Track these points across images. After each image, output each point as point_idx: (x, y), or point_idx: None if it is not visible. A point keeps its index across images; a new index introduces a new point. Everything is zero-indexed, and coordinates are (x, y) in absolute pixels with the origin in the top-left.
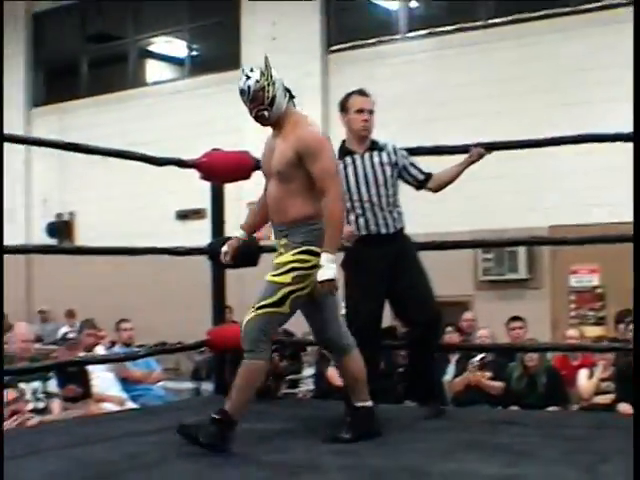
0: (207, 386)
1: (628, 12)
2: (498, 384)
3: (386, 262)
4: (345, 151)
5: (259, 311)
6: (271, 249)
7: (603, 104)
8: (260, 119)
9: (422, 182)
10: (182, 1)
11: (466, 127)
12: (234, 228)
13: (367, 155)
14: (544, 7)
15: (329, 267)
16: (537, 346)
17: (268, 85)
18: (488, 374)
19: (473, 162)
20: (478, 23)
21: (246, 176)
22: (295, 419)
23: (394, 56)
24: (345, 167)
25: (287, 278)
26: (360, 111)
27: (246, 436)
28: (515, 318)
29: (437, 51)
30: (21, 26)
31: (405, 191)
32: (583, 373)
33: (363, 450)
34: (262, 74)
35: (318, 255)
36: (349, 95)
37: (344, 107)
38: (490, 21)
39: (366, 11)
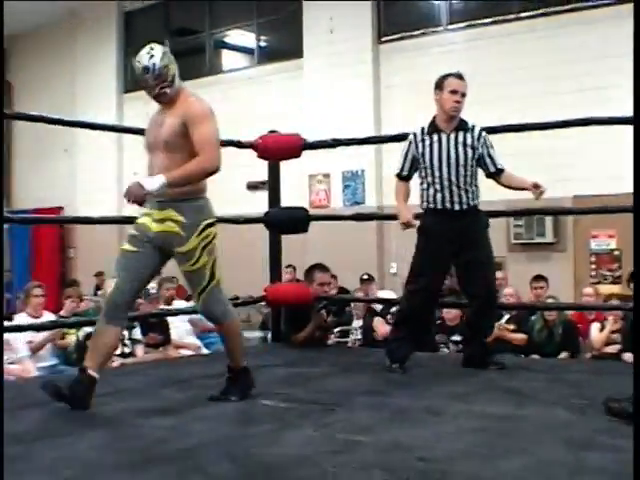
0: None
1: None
2: (521, 336)
3: (455, 236)
4: (434, 128)
5: (204, 293)
6: (322, 217)
7: (613, 88)
8: (161, 97)
9: (491, 174)
10: None
11: (499, 110)
12: (300, 197)
13: (453, 135)
14: (570, 1)
15: (153, 183)
16: (556, 305)
17: (170, 63)
18: (512, 327)
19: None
20: (511, 16)
21: (297, 155)
22: (339, 364)
23: (436, 46)
24: (431, 144)
25: (204, 259)
26: (454, 92)
27: (292, 378)
28: (538, 278)
29: (474, 42)
30: (114, 23)
31: None
32: (595, 326)
33: (390, 392)
34: (164, 53)
35: (213, 225)
36: (446, 75)
37: (439, 85)
38: (522, 14)
39: (412, 6)
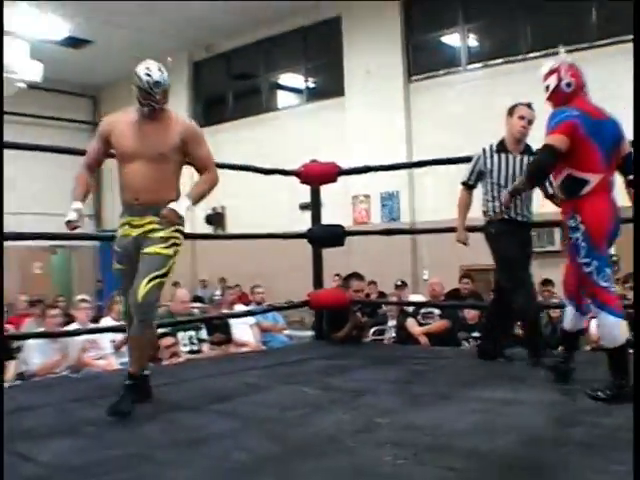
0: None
1: (627, 46)
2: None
3: (519, 243)
4: (502, 147)
5: (154, 282)
6: (357, 232)
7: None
8: (158, 111)
9: (549, 196)
10: (299, 46)
11: None
12: (345, 215)
13: (519, 157)
14: (569, 43)
15: (182, 207)
16: (558, 304)
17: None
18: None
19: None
20: (519, 57)
21: (333, 180)
22: (371, 358)
23: (457, 83)
24: (499, 162)
25: (171, 251)
26: (522, 117)
27: (329, 369)
28: (546, 282)
29: (488, 79)
30: (185, 71)
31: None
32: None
33: (411, 380)
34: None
35: (181, 232)
36: (517, 104)
37: (510, 112)
38: (528, 55)
39: (436, 50)
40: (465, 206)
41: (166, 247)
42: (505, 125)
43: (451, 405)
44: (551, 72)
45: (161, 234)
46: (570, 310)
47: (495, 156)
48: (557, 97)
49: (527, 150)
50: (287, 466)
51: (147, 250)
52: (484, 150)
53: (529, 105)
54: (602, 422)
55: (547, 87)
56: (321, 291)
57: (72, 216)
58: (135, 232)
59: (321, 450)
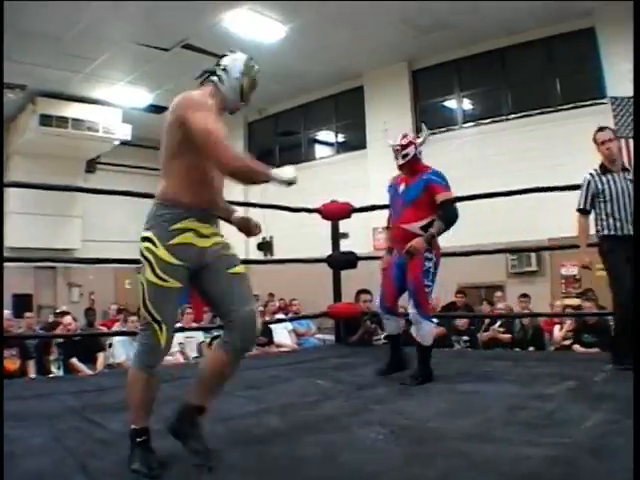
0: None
1: (584, 109)
2: (507, 336)
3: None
4: (605, 169)
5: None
6: (366, 258)
7: (575, 165)
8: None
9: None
10: (331, 109)
11: (497, 181)
12: (367, 243)
13: (622, 174)
14: (538, 107)
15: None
16: (529, 313)
17: None
18: (502, 329)
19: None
20: (503, 118)
21: (348, 216)
22: (377, 358)
23: (454, 138)
24: (608, 181)
25: None
26: (603, 143)
27: (342, 366)
28: (523, 295)
29: (479, 135)
30: (241, 129)
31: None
32: (557, 327)
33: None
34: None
35: None
36: (595, 132)
37: (594, 141)
38: (510, 116)
39: (438, 111)
40: (585, 231)
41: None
42: (597, 152)
43: (429, 395)
44: (409, 143)
45: (232, 250)
46: (389, 319)
47: (603, 178)
48: (415, 162)
49: (624, 167)
50: (292, 438)
51: (237, 270)
52: (592, 175)
53: (602, 128)
54: (544, 407)
55: (406, 155)
56: (338, 304)
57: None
58: (203, 243)
59: (321, 428)
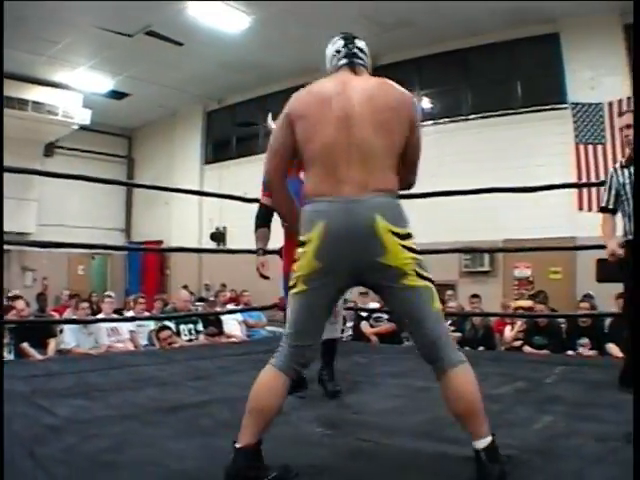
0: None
1: (544, 114)
2: (457, 334)
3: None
4: (628, 161)
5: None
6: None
7: (533, 167)
8: None
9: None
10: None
11: (454, 181)
12: None
13: (627, 170)
14: (498, 109)
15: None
16: (480, 313)
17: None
18: (452, 328)
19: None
20: (461, 117)
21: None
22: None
23: None
24: (630, 176)
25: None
26: (620, 129)
27: None
28: (474, 296)
29: (437, 134)
30: (199, 118)
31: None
32: (508, 328)
33: (352, 370)
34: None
35: (302, 245)
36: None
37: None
38: (469, 116)
39: None
40: (610, 233)
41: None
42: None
43: (379, 391)
44: None
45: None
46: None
47: (626, 171)
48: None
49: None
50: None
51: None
52: (615, 168)
53: (623, 113)
54: (492, 407)
55: None
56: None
57: None
58: None
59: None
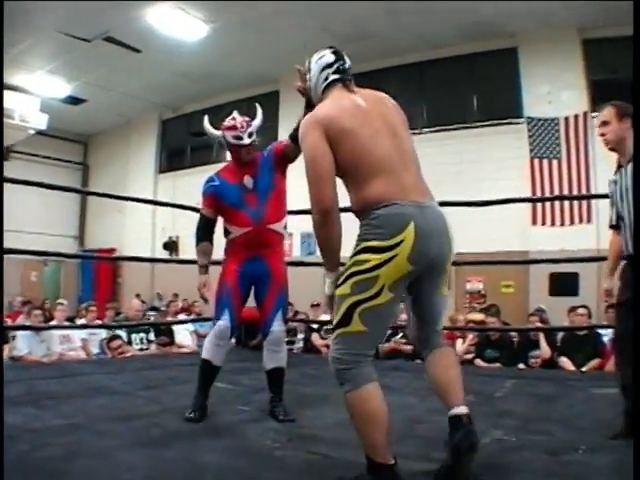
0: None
1: (499, 128)
2: (409, 347)
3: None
4: (619, 165)
5: (334, 334)
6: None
7: (488, 181)
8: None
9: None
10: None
11: None
12: None
13: (624, 169)
14: (454, 122)
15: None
16: None
17: (308, 80)
18: (404, 340)
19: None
20: (416, 131)
21: None
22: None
23: None
24: (615, 181)
25: (347, 288)
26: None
27: (241, 370)
28: None
29: None
30: (155, 127)
31: None
32: (459, 341)
33: (303, 382)
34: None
35: (382, 251)
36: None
37: None
38: (425, 129)
39: None
40: (614, 253)
41: (340, 284)
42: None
43: (329, 404)
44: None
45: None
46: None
47: (616, 176)
48: (255, 146)
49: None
50: (190, 442)
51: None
52: (610, 182)
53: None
54: (443, 421)
55: (251, 134)
56: (252, 310)
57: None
58: None
59: (219, 432)
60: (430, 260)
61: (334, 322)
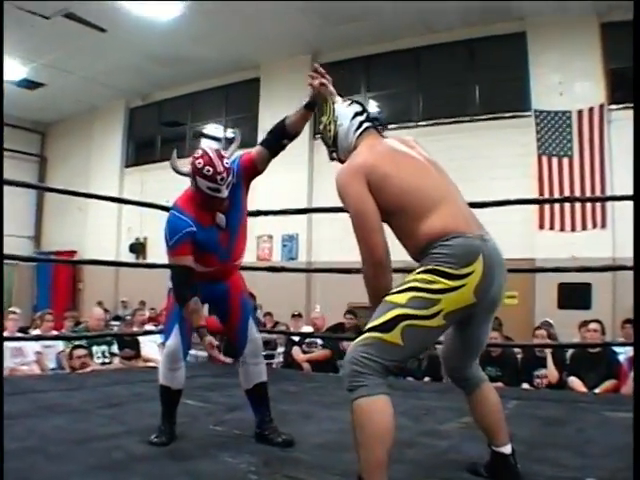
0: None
1: (504, 122)
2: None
3: None
4: None
5: (365, 335)
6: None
7: (490, 181)
8: (335, 160)
9: None
10: (222, 101)
11: None
12: (250, 252)
13: None
14: (453, 115)
15: None
16: None
17: (329, 124)
18: None
19: None
20: (411, 124)
21: None
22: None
23: None
24: None
25: (402, 298)
26: None
27: (213, 386)
28: None
29: None
30: (120, 115)
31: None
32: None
33: (279, 399)
34: (324, 114)
35: (452, 278)
36: None
37: None
38: (420, 123)
39: None
40: None
41: (395, 292)
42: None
43: (310, 423)
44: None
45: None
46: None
47: None
48: None
49: None
50: (156, 466)
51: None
52: None
53: None
54: (437, 445)
55: (230, 184)
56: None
57: None
58: None
59: (189, 455)
60: (491, 293)
61: (370, 324)
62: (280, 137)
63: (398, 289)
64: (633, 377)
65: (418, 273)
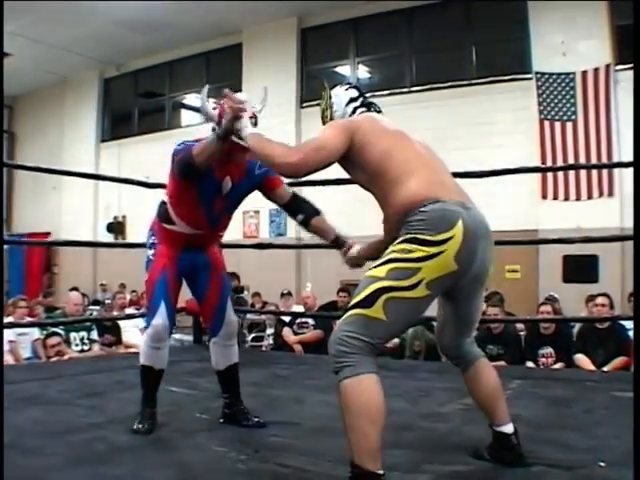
0: (205, 338)
1: (503, 85)
2: (394, 341)
3: None
4: None
5: (347, 313)
6: (240, 245)
7: (489, 148)
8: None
9: None
10: (203, 69)
11: None
12: (236, 229)
13: None
14: (448, 79)
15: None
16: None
17: (326, 110)
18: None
19: None
20: (404, 90)
21: None
22: (242, 363)
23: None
24: None
25: (382, 271)
26: None
27: (199, 371)
28: None
29: None
30: (95, 87)
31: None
32: None
33: (270, 384)
34: (322, 98)
35: (430, 244)
36: None
37: None
38: (414, 88)
39: (329, 78)
40: None
41: (375, 266)
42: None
43: (303, 409)
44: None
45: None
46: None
47: None
48: None
49: None
50: (140, 457)
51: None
52: None
53: None
54: (437, 428)
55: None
56: (193, 300)
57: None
58: None
59: (175, 445)
60: (474, 263)
61: (352, 302)
62: (299, 212)
63: (378, 262)
64: (633, 377)
65: (397, 244)
